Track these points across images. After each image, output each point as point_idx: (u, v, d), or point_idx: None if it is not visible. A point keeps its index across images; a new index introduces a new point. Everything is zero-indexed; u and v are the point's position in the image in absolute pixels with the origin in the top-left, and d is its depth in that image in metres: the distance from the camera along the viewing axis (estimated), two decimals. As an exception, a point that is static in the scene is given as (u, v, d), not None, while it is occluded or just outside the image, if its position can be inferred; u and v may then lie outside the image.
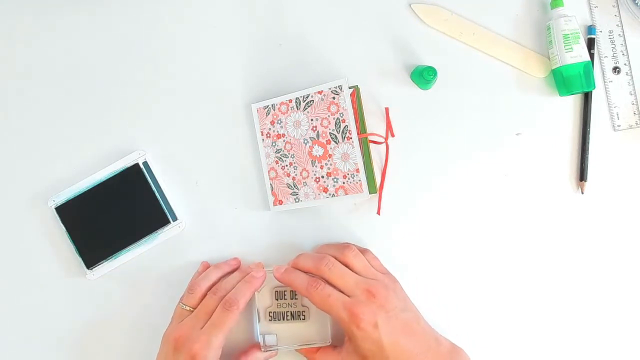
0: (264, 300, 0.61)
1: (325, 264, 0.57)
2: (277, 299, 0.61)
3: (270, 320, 0.61)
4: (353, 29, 0.67)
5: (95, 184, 0.65)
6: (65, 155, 0.68)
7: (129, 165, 0.66)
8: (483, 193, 0.65)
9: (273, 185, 0.65)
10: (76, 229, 0.65)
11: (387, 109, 0.66)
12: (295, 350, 0.62)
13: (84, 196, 0.65)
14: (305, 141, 0.64)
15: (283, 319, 0.61)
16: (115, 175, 0.65)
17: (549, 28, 0.64)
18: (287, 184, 0.65)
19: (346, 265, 0.58)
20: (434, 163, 0.66)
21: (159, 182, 0.66)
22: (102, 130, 0.68)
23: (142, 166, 0.65)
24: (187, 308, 0.60)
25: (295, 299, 0.61)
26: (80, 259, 0.65)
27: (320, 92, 0.63)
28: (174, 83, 0.68)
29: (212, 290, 0.60)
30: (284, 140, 0.65)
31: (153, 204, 0.65)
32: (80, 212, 0.65)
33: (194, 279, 0.63)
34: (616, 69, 0.66)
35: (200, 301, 0.60)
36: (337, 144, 0.62)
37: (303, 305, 0.61)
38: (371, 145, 0.64)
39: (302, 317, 0.61)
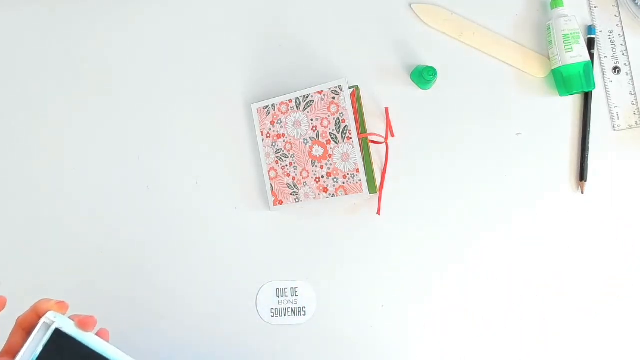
0: None
1: None
2: None
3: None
4: (353, 29, 0.67)
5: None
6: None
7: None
8: (483, 193, 0.65)
9: (273, 185, 0.65)
10: None
11: (387, 109, 0.65)
12: None
13: None
14: (305, 141, 0.63)
15: None
16: None
17: (549, 28, 0.64)
18: (287, 184, 0.64)
19: None
20: (433, 163, 0.66)
21: None
22: (103, 130, 0.68)
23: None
24: None
25: None
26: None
27: (320, 92, 0.63)
28: (174, 83, 0.68)
29: None
30: (284, 140, 0.65)
31: None
32: None
33: None
34: (616, 69, 0.66)
35: None
36: (337, 144, 0.62)
37: None
38: (371, 145, 0.64)
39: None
